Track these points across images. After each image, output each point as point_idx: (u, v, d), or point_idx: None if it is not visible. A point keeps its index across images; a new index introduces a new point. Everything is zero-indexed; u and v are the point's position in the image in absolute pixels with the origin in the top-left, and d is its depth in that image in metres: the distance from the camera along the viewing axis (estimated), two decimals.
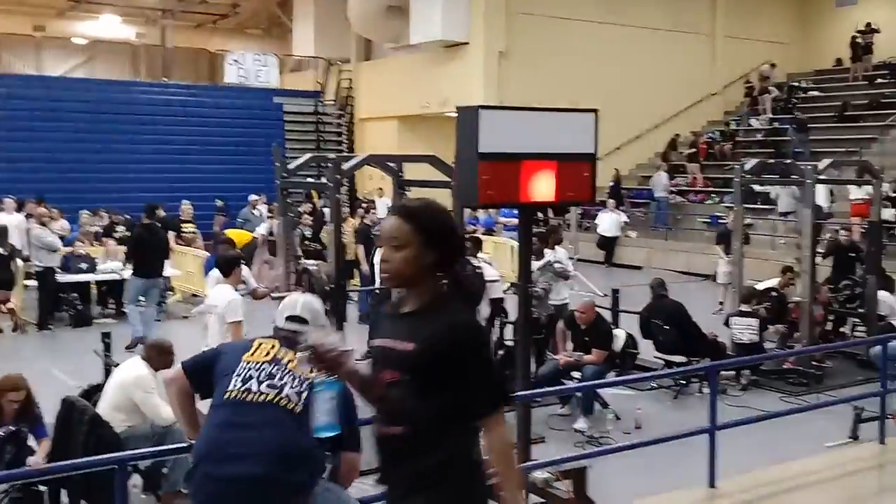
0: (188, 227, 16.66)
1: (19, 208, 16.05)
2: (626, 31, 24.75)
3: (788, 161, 14.08)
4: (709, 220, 20.75)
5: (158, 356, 6.75)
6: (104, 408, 6.54)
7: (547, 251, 10.26)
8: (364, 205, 15.89)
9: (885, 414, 6.34)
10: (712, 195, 22.46)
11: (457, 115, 5.76)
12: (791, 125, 22.73)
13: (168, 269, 14.60)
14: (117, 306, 14.20)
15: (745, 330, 10.04)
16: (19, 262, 13.49)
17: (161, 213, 12.94)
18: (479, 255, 10.42)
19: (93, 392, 6.88)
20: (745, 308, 10.27)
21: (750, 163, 11.56)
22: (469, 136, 5.61)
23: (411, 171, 9.24)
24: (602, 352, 8.74)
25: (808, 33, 28.66)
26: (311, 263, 8.37)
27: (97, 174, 21.96)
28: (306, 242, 13.27)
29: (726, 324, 10.47)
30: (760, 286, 11.10)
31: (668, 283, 10.46)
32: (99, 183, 21.47)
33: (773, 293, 10.96)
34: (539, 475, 5.85)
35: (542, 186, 5.88)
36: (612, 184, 22.47)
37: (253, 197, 17.62)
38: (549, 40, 23.57)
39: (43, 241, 13.08)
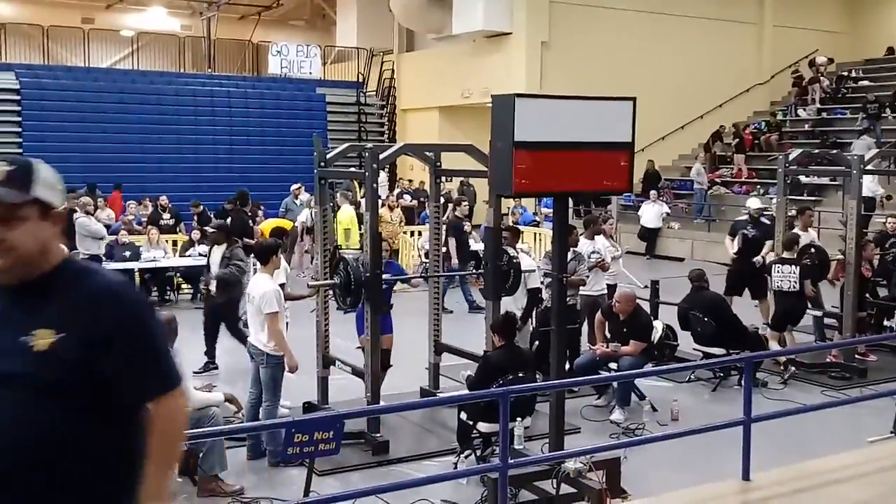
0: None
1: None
2: (672, 21, 24.46)
3: (835, 151, 13.80)
4: None
5: (169, 332, 6.81)
6: None
7: (585, 241, 10.20)
8: (455, 198, 15.77)
9: None
10: (757, 187, 22.13)
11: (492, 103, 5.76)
12: (862, 114, 22.12)
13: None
14: (160, 293, 14.43)
15: (785, 277, 9.91)
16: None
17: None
18: (518, 245, 10.39)
19: None
20: (786, 255, 10.11)
21: (794, 153, 11.36)
22: (504, 124, 5.60)
23: (449, 161, 9.22)
24: (640, 343, 8.67)
25: (858, 22, 28.08)
26: (349, 253, 8.40)
27: (143, 164, 22.26)
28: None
29: (767, 272, 10.32)
30: (803, 241, 10.86)
31: (709, 275, 10.34)
32: (144, 174, 21.77)
33: (813, 248, 10.76)
34: (571, 465, 5.82)
35: (578, 175, 5.86)
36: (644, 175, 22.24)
37: (294, 186, 17.74)
38: (592, 30, 23.40)
39: (88, 230, 13.28)
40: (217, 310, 10.11)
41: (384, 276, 7.81)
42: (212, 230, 10.88)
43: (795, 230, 11.35)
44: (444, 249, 9.79)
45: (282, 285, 8.17)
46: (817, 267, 10.57)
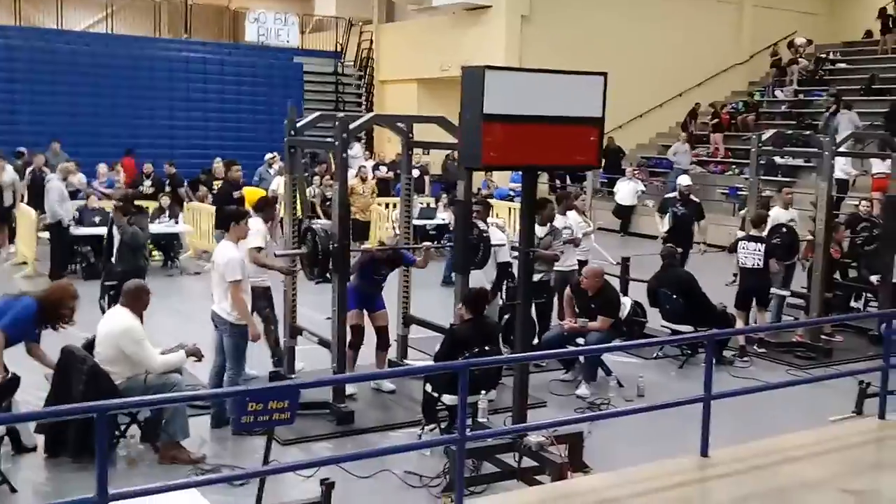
0: (218, 184, 16.68)
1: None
2: None
3: (807, 133, 13.84)
4: (727, 192, 20.54)
5: (137, 301, 6.75)
6: (99, 361, 6.56)
7: (557, 216, 10.17)
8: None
9: (885, 389, 6.25)
10: (732, 166, 22.21)
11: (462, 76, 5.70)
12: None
13: (181, 226, 14.71)
14: None
15: (751, 254, 9.97)
16: (31, 213, 13.61)
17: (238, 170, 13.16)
18: (490, 219, 10.35)
19: (94, 344, 6.91)
20: (754, 233, 10.16)
21: (767, 133, 11.38)
22: (474, 96, 5.54)
23: (420, 133, 9.16)
24: (608, 319, 8.68)
25: (837, 4, 28.15)
26: (318, 223, 8.34)
27: (116, 128, 21.95)
28: (327, 203, 13.23)
29: (734, 249, 10.39)
30: (771, 220, 10.92)
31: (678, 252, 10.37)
32: (117, 138, 21.48)
33: (784, 228, 10.82)
34: (533, 438, 5.84)
35: (548, 149, 5.82)
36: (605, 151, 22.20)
37: (269, 155, 17.54)
38: (572, 5, 23.29)
39: (59, 194, 13.13)
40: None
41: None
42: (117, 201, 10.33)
43: (775, 208, 11.39)
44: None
45: (260, 249, 8.11)
46: (785, 246, 10.63)
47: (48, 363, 6.74)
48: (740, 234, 11.10)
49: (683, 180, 12.87)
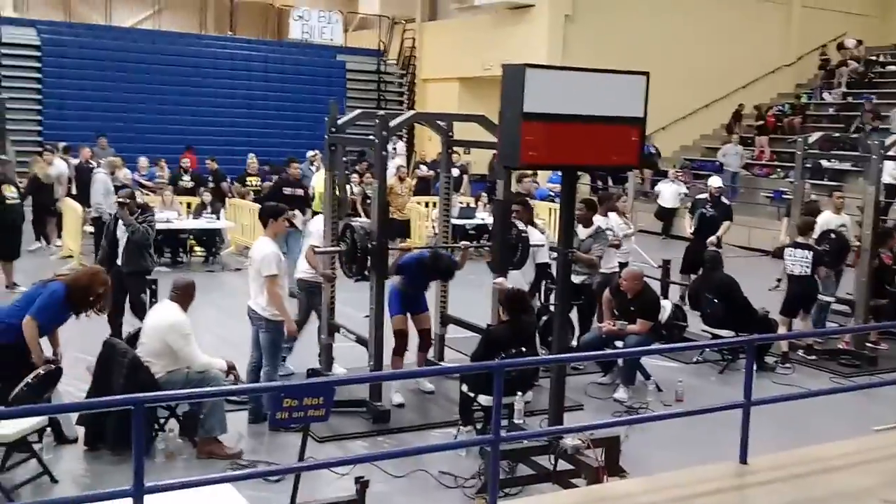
0: (252, 181, 16.86)
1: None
2: None
3: (855, 136, 13.59)
4: (772, 195, 20.25)
5: (187, 296, 6.82)
6: (142, 353, 6.64)
7: (598, 218, 10.08)
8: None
9: None
10: (777, 169, 21.90)
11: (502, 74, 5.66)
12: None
13: (223, 222, 14.85)
14: (173, 255, 14.48)
15: (798, 262, 9.81)
16: (77, 207, 13.80)
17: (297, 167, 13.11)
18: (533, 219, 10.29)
19: (137, 337, 6.99)
20: (800, 240, 10.00)
21: (814, 136, 11.19)
22: (514, 94, 5.50)
23: (461, 132, 9.14)
24: (647, 322, 8.60)
25: (889, 6, 27.60)
26: (357, 220, 8.34)
27: (161, 125, 22.25)
28: (368, 202, 13.24)
29: (778, 255, 10.23)
30: (819, 227, 10.74)
31: (726, 258, 10.22)
32: (162, 134, 21.78)
33: (833, 235, 10.61)
34: (569, 441, 5.79)
35: (587, 149, 5.76)
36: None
37: (310, 153, 17.66)
38: (616, 5, 23.13)
39: (105, 187, 13.31)
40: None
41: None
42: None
43: (825, 213, 11.18)
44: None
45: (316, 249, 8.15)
46: (834, 253, 10.41)
47: (55, 345, 6.80)
48: (784, 238, 10.92)
49: (715, 181, 12.78)
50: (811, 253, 9.81)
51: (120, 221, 9.14)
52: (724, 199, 12.37)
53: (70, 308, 6.64)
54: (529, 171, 12.55)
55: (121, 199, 9.37)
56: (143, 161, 17.59)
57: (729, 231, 12.39)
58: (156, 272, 12.96)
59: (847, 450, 5.64)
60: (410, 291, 8.17)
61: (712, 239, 11.61)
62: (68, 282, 6.70)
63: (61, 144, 17.14)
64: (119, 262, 9.05)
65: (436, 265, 7.96)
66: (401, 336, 7.97)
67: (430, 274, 8.16)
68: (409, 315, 8.23)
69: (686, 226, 12.21)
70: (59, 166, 15.30)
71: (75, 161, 16.45)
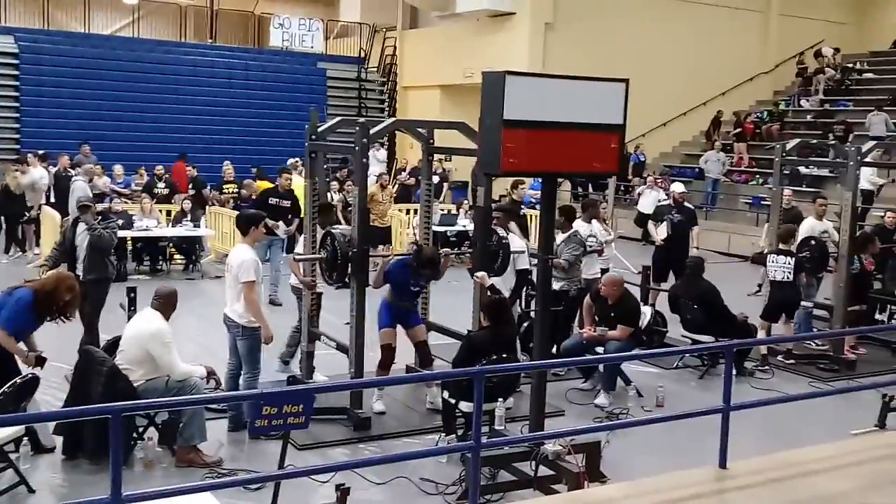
0: (229, 188, 16.82)
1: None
2: (677, 6, 24.30)
3: (832, 142, 13.72)
4: (751, 202, 20.40)
5: (169, 305, 6.80)
6: (122, 361, 6.60)
7: (581, 224, 10.11)
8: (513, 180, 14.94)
9: None
10: (756, 176, 22.06)
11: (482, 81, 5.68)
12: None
13: (203, 229, 14.79)
14: (152, 263, 14.41)
15: (781, 268, 9.88)
16: (56, 215, 13.71)
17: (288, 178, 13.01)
18: (511, 225, 10.31)
19: (116, 345, 6.94)
20: (783, 247, 10.08)
21: (792, 143, 11.29)
22: (494, 101, 5.52)
23: (442, 139, 9.15)
24: (627, 328, 8.61)
25: (865, 14, 27.92)
26: (337, 228, 8.32)
27: (140, 133, 22.14)
28: (349, 209, 13.22)
29: (757, 260, 10.29)
30: (802, 234, 10.81)
31: (706, 263, 10.26)
32: (141, 142, 21.67)
33: (813, 241, 10.68)
34: (550, 447, 5.80)
35: (567, 156, 5.78)
36: None
37: (291, 161, 17.65)
38: (596, 13, 23.26)
39: (85, 193, 13.23)
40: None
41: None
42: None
43: (808, 219, 11.26)
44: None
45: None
46: (815, 260, 10.49)
47: (31, 350, 6.79)
48: (763, 244, 10.97)
49: (678, 187, 12.95)
50: (793, 259, 9.89)
51: (78, 227, 8.80)
52: (687, 204, 12.55)
53: (38, 314, 6.65)
54: (526, 179, 12.54)
55: (85, 203, 9.05)
56: (118, 169, 17.52)
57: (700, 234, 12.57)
58: (135, 280, 12.97)
59: (826, 454, 5.68)
60: (401, 305, 7.98)
61: (694, 251, 11.73)
62: (35, 288, 6.73)
63: (39, 152, 17.04)
64: (80, 270, 8.65)
65: (419, 258, 7.80)
66: (388, 350, 7.83)
67: (417, 272, 7.85)
68: (403, 330, 8.07)
69: (653, 232, 12.24)
70: (34, 174, 15.19)
71: (53, 169, 16.35)
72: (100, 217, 8.98)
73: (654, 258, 12.14)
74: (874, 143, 11.04)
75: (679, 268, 11.81)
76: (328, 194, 11.43)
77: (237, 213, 10.25)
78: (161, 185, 16.64)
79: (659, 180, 21.79)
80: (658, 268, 11.90)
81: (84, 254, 8.67)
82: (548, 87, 5.81)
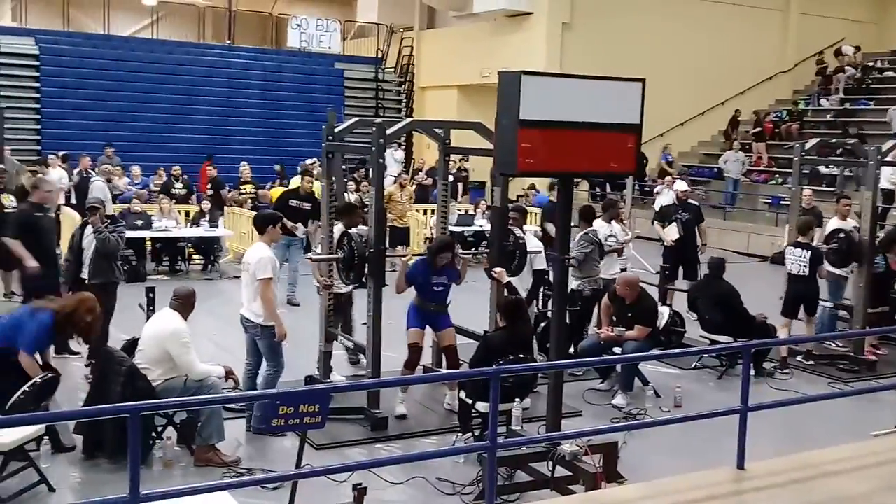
0: (247, 188, 16.89)
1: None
2: (696, 5, 24.18)
3: (852, 141, 13.61)
4: (770, 201, 20.28)
5: (188, 305, 6.84)
6: (140, 361, 6.64)
7: (601, 224, 10.10)
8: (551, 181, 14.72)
9: None
10: (776, 176, 21.93)
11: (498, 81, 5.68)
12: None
13: (221, 230, 14.86)
14: (171, 264, 14.49)
15: (797, 261, 9.82)
16: (75, 215, 13.80)
17: (310, 181, 13.00)
18: (526, 226, 10.31)
19: (135, 345, 6.98)
20: (801, 239, 9.98)
21: (811, 142, 11.21)
22: (510, 101, 5.52)
23: (458, 139, 9.15)
24: (644, 328, 8.59)
25: (886, 12, 27.66)
26: (354, 228, 8.35)
27: (158, 133, 22.28)
28: (365, 209, 13.25)
29: (776, 260, 10.21)
30: (830, 226, 10.73)
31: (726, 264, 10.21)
32: (160, 143, 21.81)
33: (843, 234, 10.54)
34: (567, 447, 5.79)
35: (584, 156, 5.78)
36: None
37: (308, 161, 17.69)
38: (614, 12, 23.17)
39: (104, 194, 13.32)
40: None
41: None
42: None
43: (832, 220, 11.17)
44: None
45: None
46: (842, 252, 10.28)
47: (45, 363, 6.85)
48: (785, 245, 10.86)
49: (681, 185, 13.00)
50: (809, 252, 9.79)
51: (85, 231, 8.69)
52: (691, 201, 12.62)
53: (57, 334, 6.76)
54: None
55: (94, 204, 8.91)
56: (136, 169, 17.62)
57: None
58: (154, 280, 13.06)
59: (844, 455, 5.64)
60: (427, 307, 7.84)
61: (701, 248, 11.77)
62: (56, 309, 6.76)
63: (60, 153, 17.18)
64: (85, 273, 8.60)
65: (440, 245, 7.76)
66: (414, 350, 7.74)
67: (434, 263, 7.71)
68: (433, 332, 8.03)
69: (661, 233, 12.17)
70: (51, 175, 15.28)
71: (75, 170, 16.49)
72: (109, 220, 8.92)
73: (665, 257, 12.11)
74: (894, 141, 10.90)
75: (689, 266, 11.81)
76: (345, 195, 11.43)
77: (255, 213, 10.28)
78: (178, 185, 16.72)
79: (678, 180, 21.73)
80: (669, 267, 11.89)
81: (90, 257, 8.61)
82: (564, 87, 5.80)
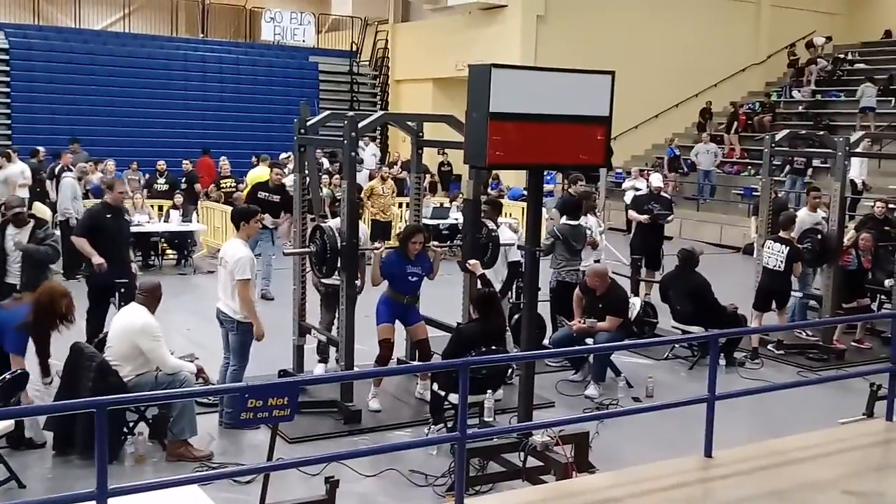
0: (227, 182, 16.79)
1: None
2: None
3: (821, 133, 13.75)
4: (742, 193, 20.44)
5: (154, 298, 6.80)
6: (111, 357, 6.61)
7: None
8: (572, 175, 14.65)
9: (894, 391, 6.20)
10: (748, 167, 22.10)
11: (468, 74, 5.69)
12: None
13: (194, 224, 14.79)
14: (144, 258, 14.40)
15: (774, 255, 9.89)
16: (47, 211, 13.67)
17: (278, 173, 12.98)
18: (501, 219, 10.34)
19: (104, 342, 6.94)
20: (782, 234, 10.05)
21: (781, 133, 11.31)
22: (480, 94, 5.53)
23: (434, 132, 9.16)
24: (616, 319, 8.65)
25: (856, 4, 27.94)
26: (326, 222, 8.35)
27: (131, 128, 22.12)
28: (337, 203, 13.22)
29: (748, 251, 10.28)
30: (800, 217, 10.84)
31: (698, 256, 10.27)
32: (133, 137, 21.65)
33: (818, 235, 10.60)
34: (538, 438, 5.83)
35: (554, 149, 5.80)
36: None
37: (283, 155, 17.65)
38: (588, 5, 23.25)
39: (74, 191, 13.22)
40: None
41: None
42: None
43: (802, 210, 11.28)
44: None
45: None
46: (816, 253, 10.34)
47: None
48: (753, 235, 10.98)
49: (655, 180, 13.25)
50: (788, 248, 9.87)
51: (7, 231, 8.31)
52: (664, 194, 12.90)
53: (39, 325, 6.65)
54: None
55: (17, 211, 8.39)
56: (110, 164, 17.44)
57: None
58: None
59: (811, 442, 5.72)
60: (400, 299, 7.84)
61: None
62: (32, 301, 6.72)
63: (40, 148, 17.04)
64: (16, 277, 8.28)
65: (409, 231, 7.80)
66: (386, 345, 7.71)
67: (407, 252, 7.71)
68: (403, 327, 8.05)
69: (635, 216, 12.27)
70: (10, 169, 15.03)
71: (51, 165, 16.30)
72: (34, 223, 8.43)
73: (632, 248, 12.23)
74: (863, 132, 11.02)
75: (651, 257, 11.93)
76: (321, 188, 11.39)
77: (230, 207, 10.24)
78: (161, 180, 16.60)
79: (645, 172, 21.86)
80: (637, 258, 12.04)
81: (17, 264, 8.28)
82: (534, 80, 5.82)
